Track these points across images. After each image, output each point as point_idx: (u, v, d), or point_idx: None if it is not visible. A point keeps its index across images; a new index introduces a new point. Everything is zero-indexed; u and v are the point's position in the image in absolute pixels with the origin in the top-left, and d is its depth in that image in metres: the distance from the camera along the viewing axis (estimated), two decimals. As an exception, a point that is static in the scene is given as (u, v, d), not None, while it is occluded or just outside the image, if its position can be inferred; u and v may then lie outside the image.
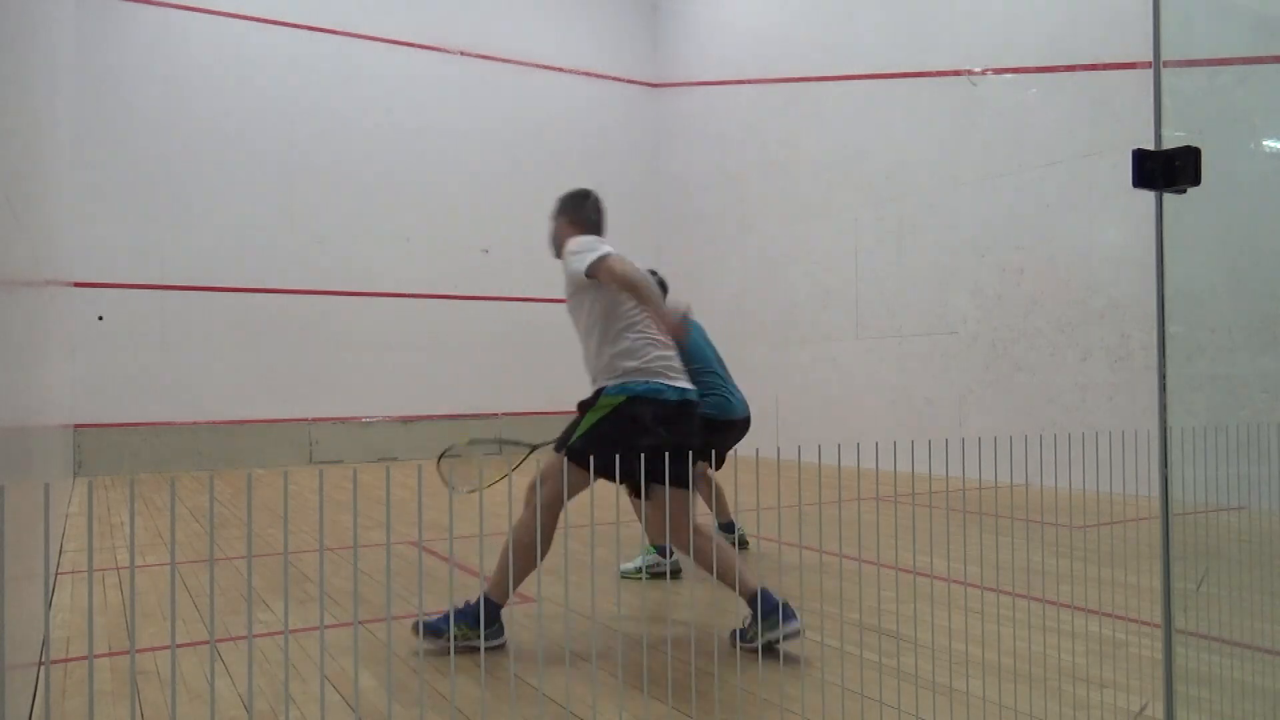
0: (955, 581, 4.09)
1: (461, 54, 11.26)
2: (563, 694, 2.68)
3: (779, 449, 2.88)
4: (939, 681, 2.80)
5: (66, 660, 3.25)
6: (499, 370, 11.09)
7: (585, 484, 2.95)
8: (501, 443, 3.88)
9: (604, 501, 6.01)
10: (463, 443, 3.86)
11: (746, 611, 3.16)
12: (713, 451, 3.67)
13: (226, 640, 3.40)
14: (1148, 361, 6.78)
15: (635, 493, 3.51)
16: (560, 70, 11.91)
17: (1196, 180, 1.71)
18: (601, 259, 3.32)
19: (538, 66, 11.75)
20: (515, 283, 11.25)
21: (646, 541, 3.96)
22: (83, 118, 9.22)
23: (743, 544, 4.79)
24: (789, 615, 3.04)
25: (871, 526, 4.80)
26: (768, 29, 10.70)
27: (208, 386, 9.72)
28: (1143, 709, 2.55)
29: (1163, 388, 1.77)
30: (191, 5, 9.84)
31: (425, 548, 5.30)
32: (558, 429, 3.58)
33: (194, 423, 9.63)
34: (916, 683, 2.77)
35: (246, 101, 10.07)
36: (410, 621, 3.44)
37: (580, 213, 3.87)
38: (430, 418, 10.80)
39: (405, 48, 10.94)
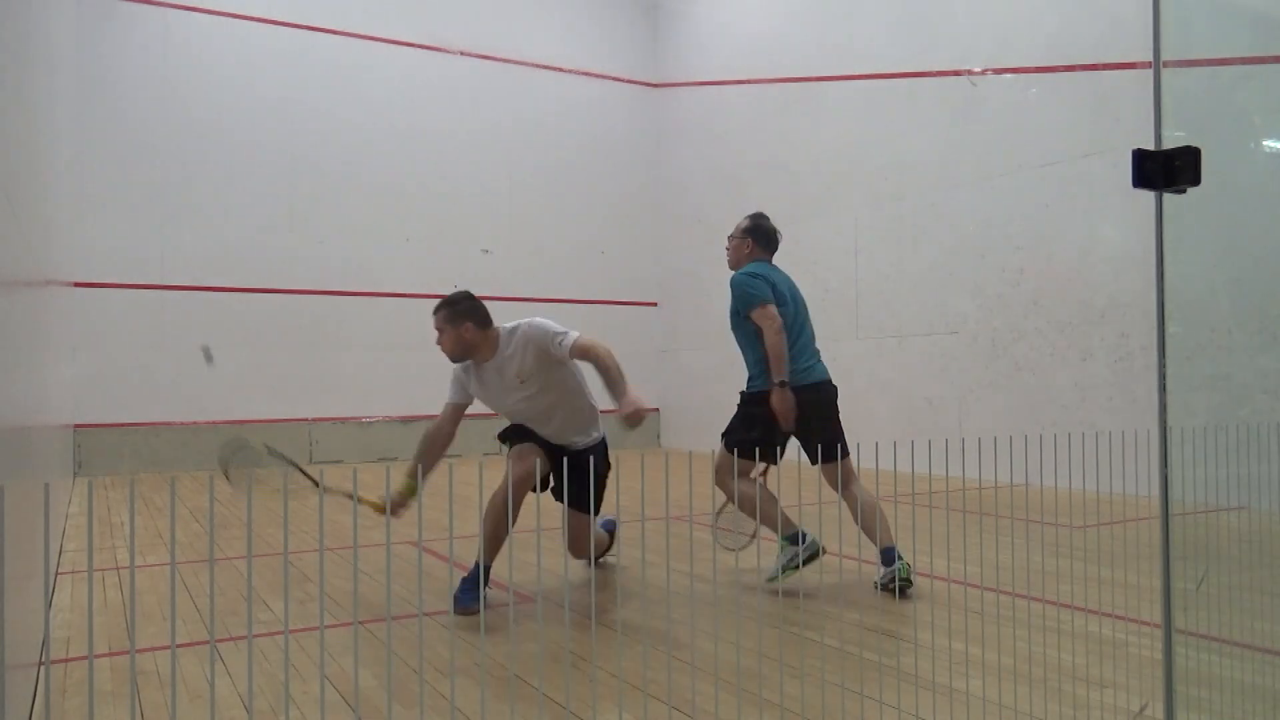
0: (955, 581, 4.09)
1: (461, 54, 11.26)
2: (563, 694, 2.68)
3: (779, 449, 2.89)
4: (939, 681, 2.80)
5: (66, 660, 3.24)
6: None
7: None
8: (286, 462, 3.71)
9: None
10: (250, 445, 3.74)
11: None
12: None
13: (226, 640, 3.40)
14: (1148, 361, 6.78)
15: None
16: (560, 70, 11.91)
17: (1196, 180, 1.70)
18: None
19: (538, 66, 11.75)
20: (515, 283, 11.25)
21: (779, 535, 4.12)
22: (83, 118, 9.21)
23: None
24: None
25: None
26: (768, 29, 10.70)
27: (208, 386, 9.72)
28: (1143, 709, 2.55)
29: (1163, 388, 1.77)
30: (192, 5, 9.84)
31: (425, 548, 5.30)
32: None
33: (194, 423, 9.63)
34: (916, 683, 2.77)
35: (246, 101, 10.07)
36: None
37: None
38: (430, 418, 10.79)
39: (405, 48, 10.94)
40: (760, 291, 4.08)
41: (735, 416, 4.20)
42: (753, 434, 3.95)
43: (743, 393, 4.25)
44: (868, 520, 3.88)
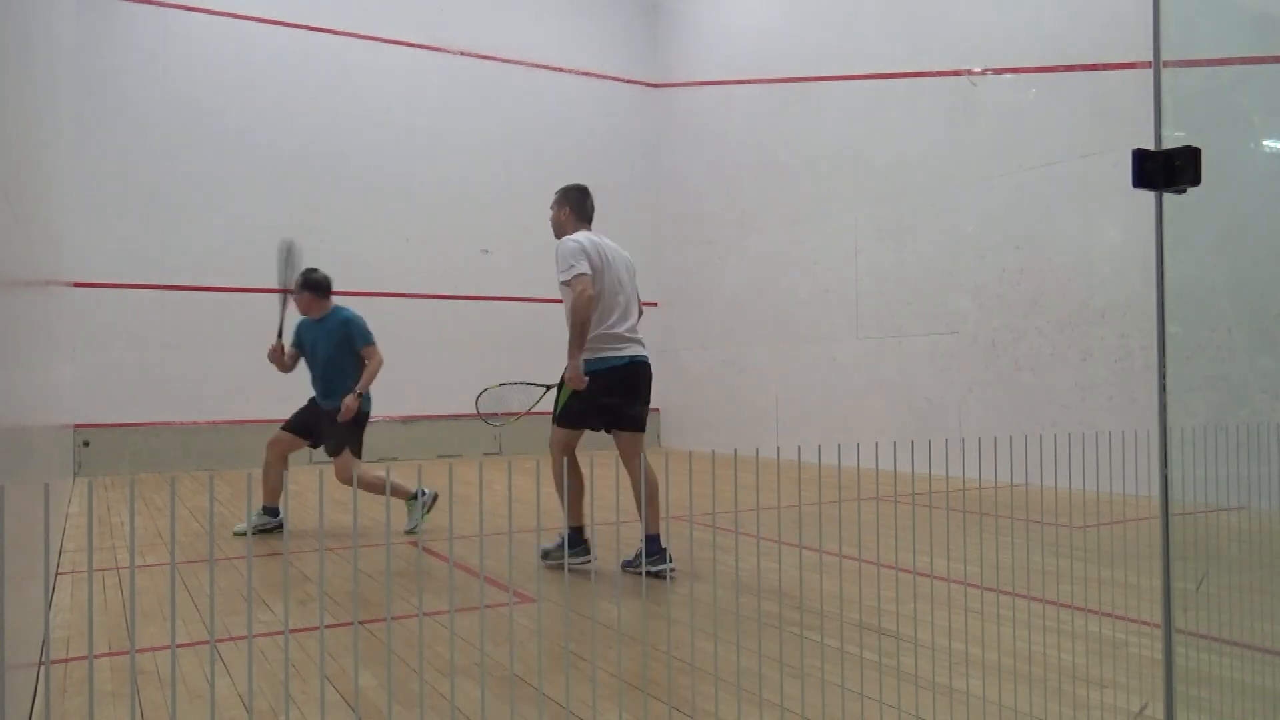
0: (955, 581, 4.09)
1: (461, 54, 11.26)
2: (563, 694, 2.68)
3: (779, 449, 2.89)
4: (939, 681, 2.80)
5: (66, 660, 3.25)
6: (499, 370, 11.09)
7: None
8: (525, 384, 5.06)
9: (604, 502, 6.02)
10: (494, 386, 5.10)
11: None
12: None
13: (226, 640, 3.40)
14: (1148, 361, 6.79)
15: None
16: (560, 70, 11.91)
17: (1196, 180, 1.70)
18: (574, 279, 4.30)
19: (538, 66, 11.75)
20: (515, 283, 11.25)
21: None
22: (83, 118, 9.21)
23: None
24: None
25: (871, 526, 4.80)
26: (767, 29, 10.70)
27: (208, 386, 9.71)
28: (1143, 709, 2.55)
29: (1163, 388, 1.77)
30: (192, 5, 9.84)
31: (425, 548, 5.30)
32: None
33: (194, 423, 9.63)
34: (916, 683, 2.77)
35: (247, 101, 10.07)
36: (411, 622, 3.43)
37: (581, 206, 4.71)
38: (430, 417, 10.80)
39: (405, 48, 10.93)
40: (368, 333, 5.83)
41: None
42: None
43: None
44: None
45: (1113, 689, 2.72)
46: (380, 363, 5.77)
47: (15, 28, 2.78)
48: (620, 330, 4.40)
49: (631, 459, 4.41)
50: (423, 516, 5.65)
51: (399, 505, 6.49)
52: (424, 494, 5.73)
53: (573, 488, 4.50)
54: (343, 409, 5.60)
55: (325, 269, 11.13)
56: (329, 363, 5.76)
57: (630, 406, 4.42)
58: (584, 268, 4.27)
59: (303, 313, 5.87)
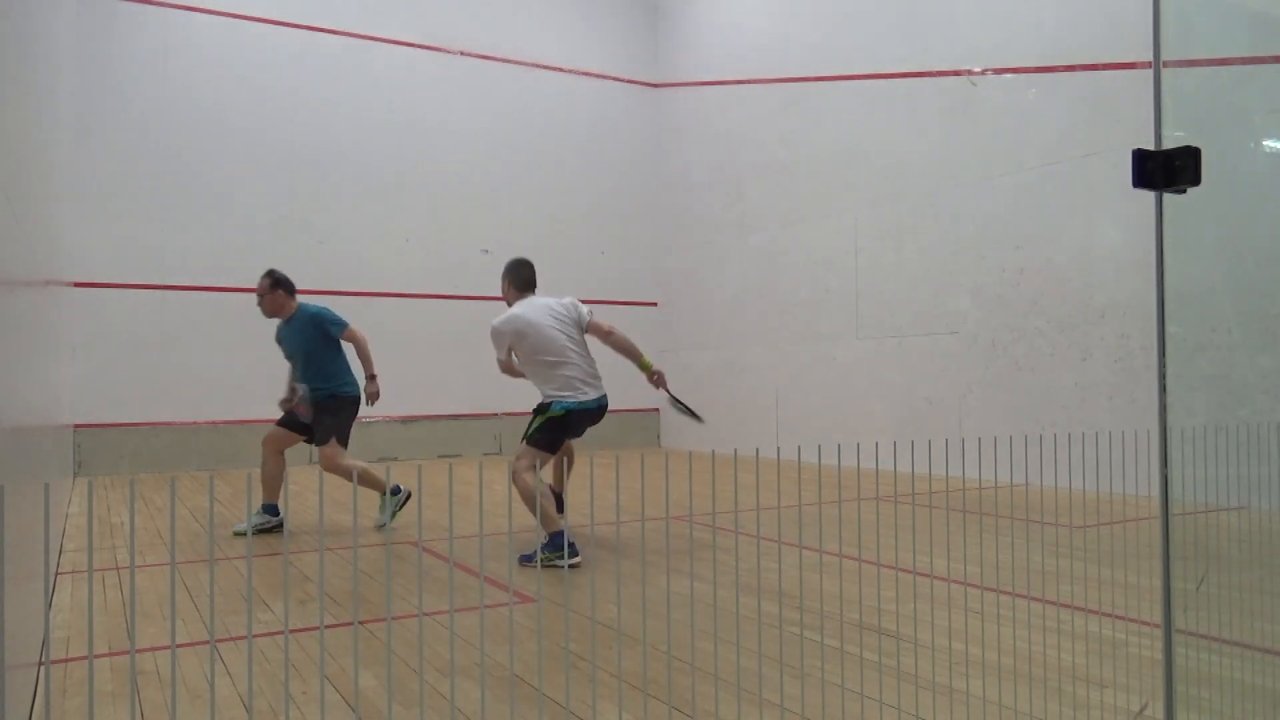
0: (955, 581, 4.09)
1: (461, 54, 11.26)
2: (563, 694, 2.68)
3: (779, 449, 2.89)
4: (939, 681, 2.80)
5: (66, 660, 3.25)
6: (499, 370, 11.10)
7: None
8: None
9: (603, 502, 6.02)
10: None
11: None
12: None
13: (226, 640, 3.40)
14: (1148, 361, 6.78)
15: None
16: (560, 70, 11.91)
17: (1196, 180, 1.70)
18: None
19: (538, 66, 11.75)
20: (515, 283, 11.23)
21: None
22: (83, 117, 9.21)
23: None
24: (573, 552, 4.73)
25: (871, 526, 4.80)
26: (768, 29, 10.70)
27: (208, 386, 9.72)
28: (1143, 709, 2.55)
29: (1163, 388, 1.77)
30: (193, 5, 9.84)
31: (425, 548, 5.30)
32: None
33: (194, 423, 9.63)
34: (916, 683, 2.77)
35: (247, 101, 10.07)
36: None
37: (518, 277, 5.50)
38: (430, 417, 10.80)
39: (405, 48, 10.94)
40: (340, 318, 6.02)
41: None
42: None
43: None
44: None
45: (1113, 689, 2.72)
46: (366, 336, 5.96)
47: (15, 28, 2.78)
48: (583, 378, 5.11)
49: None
50: (392, 516, 5.72)
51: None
52: (400, 490, 5.93)
53: (549, 496, 4.90)
54: (370, 397, 5.97)
55: (325, 269, 11.18)
56: (308, 358, 5.87)
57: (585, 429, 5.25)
58: (504, 358, 5.31)
59: (272, 314, 5.96)
